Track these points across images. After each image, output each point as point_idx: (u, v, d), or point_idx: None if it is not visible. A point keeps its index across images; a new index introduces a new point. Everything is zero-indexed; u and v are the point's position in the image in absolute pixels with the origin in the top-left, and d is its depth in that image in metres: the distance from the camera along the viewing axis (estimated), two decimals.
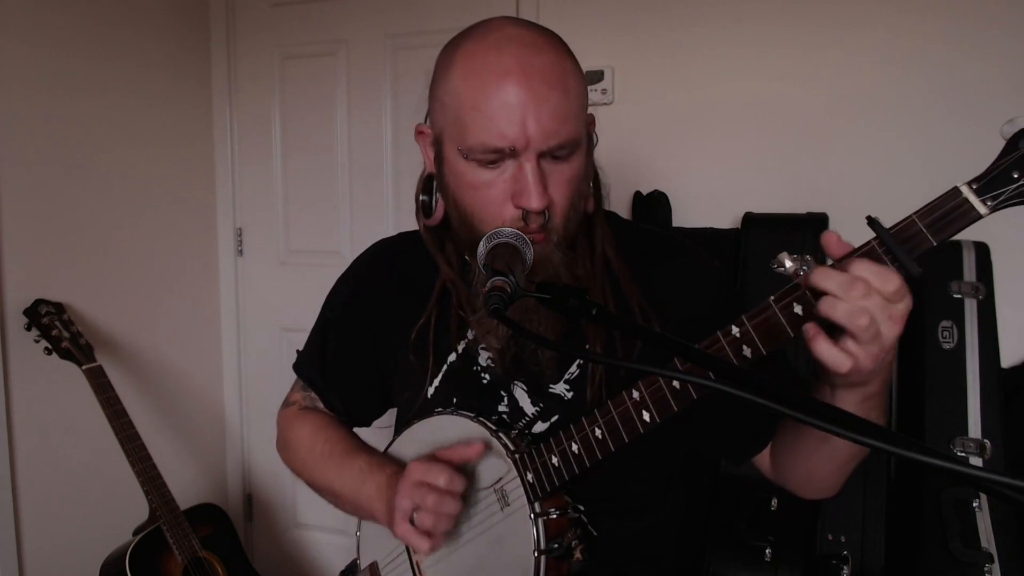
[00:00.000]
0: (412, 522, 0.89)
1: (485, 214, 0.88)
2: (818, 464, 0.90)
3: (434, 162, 0.95)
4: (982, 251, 1.69)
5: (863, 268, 0.65)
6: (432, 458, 0.93)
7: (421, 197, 0.99)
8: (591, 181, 0.96)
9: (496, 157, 0.85)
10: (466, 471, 0.94)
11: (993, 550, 1.47)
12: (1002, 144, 0.65)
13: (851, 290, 0.65)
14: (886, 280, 0.65)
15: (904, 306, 0.67)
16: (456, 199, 0.91)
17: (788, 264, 0.69)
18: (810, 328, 0.68)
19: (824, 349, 0.67)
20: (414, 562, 1.00)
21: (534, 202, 0.84)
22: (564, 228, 0.90)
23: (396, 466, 0.99)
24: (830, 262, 0.70)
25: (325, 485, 1.08)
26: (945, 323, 1.66)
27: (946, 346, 1.65)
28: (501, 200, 0.87)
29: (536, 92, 0.82)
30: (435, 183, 0.97)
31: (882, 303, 0.65)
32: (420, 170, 1.01)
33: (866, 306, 0.65)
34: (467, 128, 0.85)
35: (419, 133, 0.97)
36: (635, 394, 0.81)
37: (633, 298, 0.96)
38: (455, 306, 1.00)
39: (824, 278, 0.66)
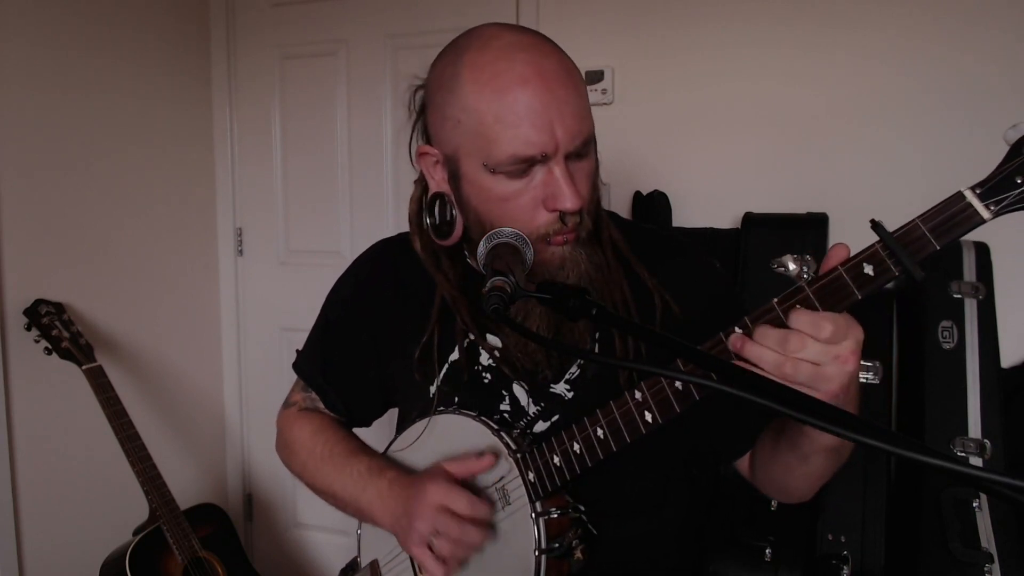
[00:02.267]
0: (430, 546, 0.88)
1: (517, 224, 0.86)
2: (793, 481, 0.92)
3: (448, 182, 0.93)
4: (982, 251, 1.70)
5: (798, 321, 0.69)
6: (446, 474, 0.92)
7: (427, 219, 0.97)
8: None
9: (526, 167, 0.84)
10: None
11: (993, 550, 1.47)
12: (1004, 147, 0.65)
13: (787, 344, 0.69)
14: (819, 328, 0.68)
15: (851, 342, 0.69)
16: (481, 214, 0.90)
17: (791, 266, 0.71)
18: (736, 340, 0.72)
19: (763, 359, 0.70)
20: (415, 562, 1.00)
21: (570, 203, 0.84)
22: (592, 223, 0.91)
23: (396, 470, 0.99)
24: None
25: (325, 488, 1.08)
26: (945, 323, 1.66)
27: (946, 346, 1.65)
28: (532, 207, 0.86)
29: (557, 95, 0.82)
30: (447, 202, 0.94)
31: (822, 348, 0.68)
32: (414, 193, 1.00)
33: (799, 357, 0.68)
34: (493, 142, 0.84)
35: (421, 155, 0.95)
36: (637, 395, 0.81)
37: (645, 277, 0.97)
38: (458, 322, 0.99)
39: (763, 336, 0.70)
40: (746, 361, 0.71)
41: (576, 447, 0.86)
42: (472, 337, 0.99)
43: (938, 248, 0.66)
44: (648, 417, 0.81)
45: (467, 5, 2.17)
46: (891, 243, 0.67)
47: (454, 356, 1.01)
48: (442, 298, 1.00)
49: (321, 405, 1.15)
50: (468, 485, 0.93)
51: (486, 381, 1.00)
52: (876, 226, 0.68)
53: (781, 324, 0.72)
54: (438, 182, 0.94)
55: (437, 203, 0.95)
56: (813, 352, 0.68)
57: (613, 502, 0.96)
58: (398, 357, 1.04)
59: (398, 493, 0.95)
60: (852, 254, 0.70)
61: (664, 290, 0.97)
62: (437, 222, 0.96)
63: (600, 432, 0.84)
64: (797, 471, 0.88)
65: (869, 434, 0.48)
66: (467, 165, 0.88)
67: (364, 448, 1.08)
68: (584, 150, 0.87)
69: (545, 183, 0.85)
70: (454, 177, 0.91)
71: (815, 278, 0.71)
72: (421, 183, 0.99)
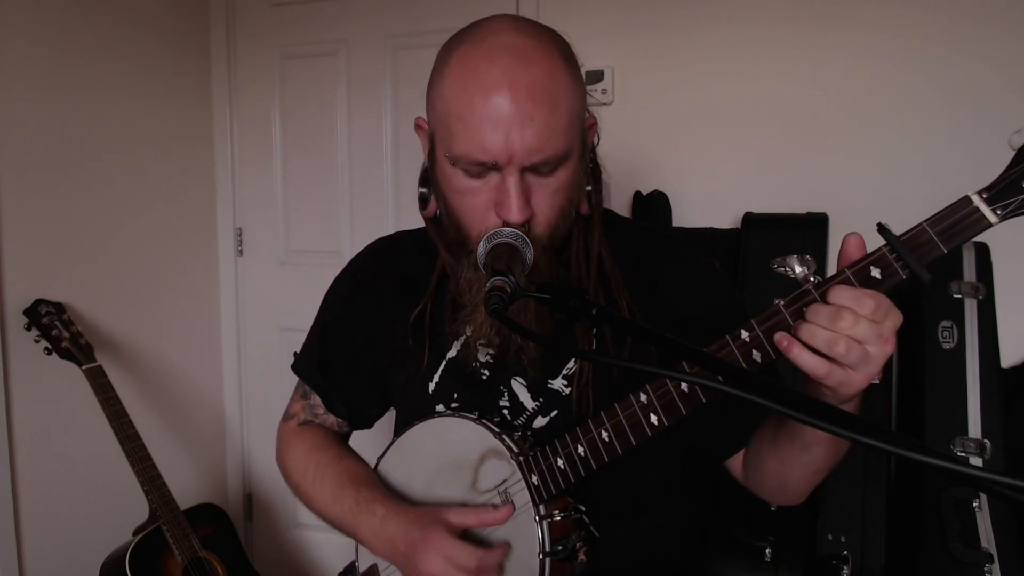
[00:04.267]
0: None
1: (469, 219, 0.89)
2: (792, 474, 0.90)
3: (427, 157, 0.96)
4: (982, 251, 1.70)
5: (840, 296, 0.68)
6: (451, 528, 0.90)
7: (420, 189, 0.99)
8: (587, 185, 0.95)
9: (480, 169, 0.85)
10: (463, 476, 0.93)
11: (993, 550, 1.47)
12: (1004, 147, 0.65)
13: (838, 321, 0.67)
14: (861, 303, 0.67)
15: (892, 323, 0.69)
16: (445, 199, 0.92)
17: (798, 269, 0.71)
18: (783, 339, 0.70)
19: (803, 356, 0.69)
20: None
21: (513, 216, 0.85)
22: (549, 237, 0.90)
23: (385, 506, 0.97)
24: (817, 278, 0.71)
25: (318, 512, 1.07)
26: (945, 323, 1.66)
27: (946, 346, 1.65)
28: (485, 208, 0.87)
29: (521, 109, 0.81)
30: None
31: (870, 327, 0.67)
32: (420, 168, 1.01)
33: (850, 335, 0.67)
34: (453, 137, 0.85)
35: (418, 126, 0.98)
36: (642, 397, 0.81)
37: (624, 303, 0.96)
38: (451, 292, 1.00)
39: (814, 314, 0.69)
40: (803, 345, 0.69)
41: (580, 450, 0.86)
42: (470, 332, 0.99)
43: (945, 252, 0.66)
44: (654, 420, 0.81)
45: (467, 5, 2.16)
46: (898, 247, 0.67)
47: (452, 353, 1.01)
48: (441, 269, 1.02)
49: (320, 412, 1.14)
50: (470, 495, 0.92)
51: (484, 377, 1.00)
52: (883, 230, 0.68)
53: (787, 328, 0.72)
54: (426, 155, 0.97)
55: (427, 175, 0.98)
56: (862, 330, 0.67)
57: (615, 503, 0.96)
58: (397, 355, 1.04)
59: (393, 534, 0.93)
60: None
61: (645, 318, 0.96)
62: (427, 194, 0.98)
63: (605, 435, 0.84)
64: (796, 463, 0.88)
65: (869, 434, 0.48)
66: (438, 149, 0.90)
67: (353, 476, 1.05)
68: (545, 168, 0.86)
69: (498, 188, 0.86)
70: (431, 156, 0.94)
71: (821, 281, 0.71)
72: None
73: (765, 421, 0.94)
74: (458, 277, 0.96)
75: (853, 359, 0.67)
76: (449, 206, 0.92)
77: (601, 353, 0.96)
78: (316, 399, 1.14)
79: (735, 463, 1.00)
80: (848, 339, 0.67)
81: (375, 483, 1.03)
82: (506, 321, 0.74)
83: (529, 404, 0.98)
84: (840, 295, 0.68)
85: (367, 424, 1.17)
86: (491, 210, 0.87)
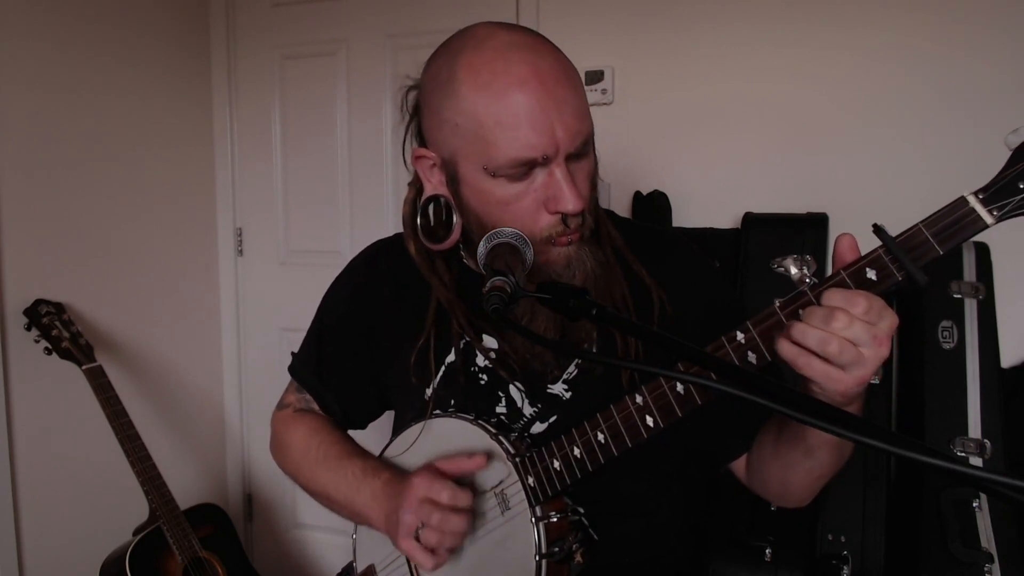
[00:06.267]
0: (418, 538, 0.89)
1: (519, 227, 0.86)
2: (794, 478, 0.90)
3: (446, 185, 0.92)
4: (982, 251, 1.69)
5: (833, 298, 0.67)
6: (434, 470, 0.92)
7: (419, 220, 0.96)
8: None
9: (526, 169, 0.84)
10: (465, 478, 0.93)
11: (993, 550, 1.47)
12: (1004, 150, 0.65)
13: (831, 322, 0.66)
14: (853, 303, 0.67)
15: (886, 325, 0.68)
16: (482, 217, 0.89)
17: (793, 271, 0.70)
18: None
19: (782, 345, 0.69)
20: (412, 566, 1.00)
21: (572, 205, 0.84)
22: (593, 222, 0.91)
23: (390, 472, 0.99)
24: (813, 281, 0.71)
25: (320, 489, 1.07)
26: (945, 323, 1.66)
27: (946, 346, 1.65)
28: (534, 209, 0.86)
29: (555, 95, 0.82)
30: (442, 205, 0.93)
31: (864, 327, 0.67)
32: (402, 201, 0.99)
33: (844, 336, 0.66)
34: (492, 145, 0.83)
35: (418, 158, 0.94)
36: (638, 399, 0.81)
37: (643, 274, 0.97)
38: (454, 325, 0.99)
39: (808, 315, 0.68)
40: (789, 339, 0.69)
41: (576, 451, 0.86)
42: (468, 339, 0.99)
43: (941, 253, 0.66)
44: (649, 421, 0.80)
45: (467, 5, 2.17)
46: (894, 248, 0.66)
47: (450, 358, 1.00)
48: (437, 301, 1.00)
49: (316, 407, 1.14)
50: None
51: (482, 383, 0.99)
52: (879, 231, 0.67)
53: (782, 328, 0.71)
54: (435, 185, 0.93)
55: (432, 206, 0.94)
56: (856, 331, 0.66)
57: (611, 503, 0.95)
58: (394, 359, 1.04)
59: (391, 493, 0.95)
60: (855, 257, 0.70)
61: (661, 288, 0.97)
62: (431, 225, 0.95)
63: (601, 436, 0.84)
64: (800, 467, 0.87)
65: (869, 434, 0.48)
66: (466, 168, 0.87)
67: (359, 450, 1.08)
68: (584, 149, 0.86)
69: (546, 185, 0.85)
70: (452, 180, 0.90)
71: (816, 283, 0.71)
72: (415, 185, 0.98)
73: (767, 425, 0.94)
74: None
75: (845, 360, 0.67)
76: (488, 223, 0.88)
77: (606, 356, 0.96)
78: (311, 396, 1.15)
79: (738, 465, 1.00)
80: (841, 339, 0.66)
81: (380, 460, 1.04)
82: (506, 321, 0.74)
83: (527, 410, 0.97)
84: (833, 297, 0.68)
85: (361, 425, 1.17)
86: (540, 211, 0.86)
